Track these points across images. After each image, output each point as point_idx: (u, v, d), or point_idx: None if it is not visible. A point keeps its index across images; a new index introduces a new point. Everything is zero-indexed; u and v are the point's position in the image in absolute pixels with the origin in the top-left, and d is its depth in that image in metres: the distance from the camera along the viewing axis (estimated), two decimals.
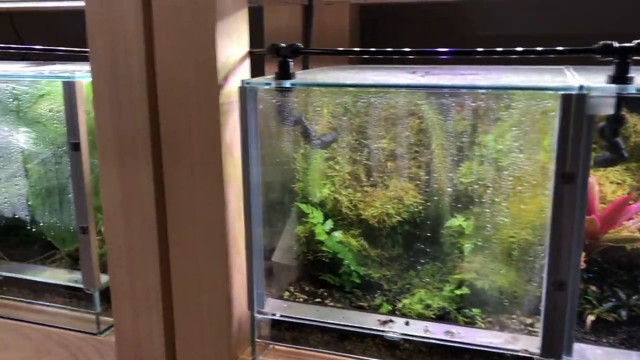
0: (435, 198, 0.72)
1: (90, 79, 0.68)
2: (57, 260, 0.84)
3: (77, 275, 0.79)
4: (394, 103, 0.62)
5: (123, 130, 0.67)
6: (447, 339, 0.61)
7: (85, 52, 0.66)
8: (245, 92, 0.61)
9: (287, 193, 0.76)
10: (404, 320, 0.66)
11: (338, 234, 0.75)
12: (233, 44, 0.64)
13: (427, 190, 0.72)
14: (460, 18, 1.04)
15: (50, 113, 0.71)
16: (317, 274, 0.76)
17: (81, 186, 0.71)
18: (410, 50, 0.61)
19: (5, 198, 0.77)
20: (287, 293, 0.75)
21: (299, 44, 0.60)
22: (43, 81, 0.75)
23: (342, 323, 0.65)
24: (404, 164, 0.69)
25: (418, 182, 0.72)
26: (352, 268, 0.74)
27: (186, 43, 0.62)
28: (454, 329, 0.63)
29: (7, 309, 0.82)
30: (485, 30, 1.04)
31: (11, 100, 0.72)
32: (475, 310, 0.66)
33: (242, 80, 0.61)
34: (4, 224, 0.80)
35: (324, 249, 0.74)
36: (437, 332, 0.62)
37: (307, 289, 0.77)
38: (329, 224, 0.74)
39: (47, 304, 0.80)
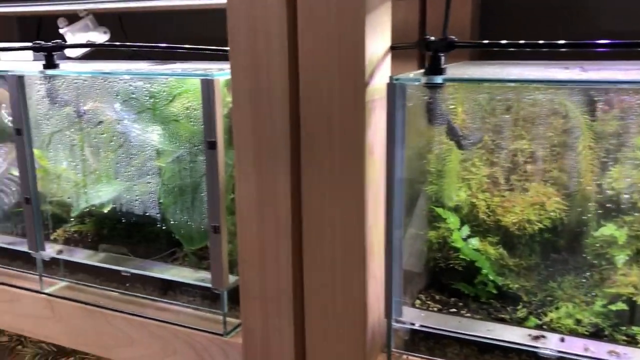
0: (582, 204, 0.67)
1: (227, 77, 0.67)
2: (179, 258, 0.84)
3: (203, 274, 0.79)
4: (560, 100, 0.57)
5: (261, 129, 0.66)
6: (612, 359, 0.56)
7: (224, 50, 0.66)
8: (394, 89, 0.58)
9: (419, 196, 0.73)
10: (557, 336, 0.61)
11: (475, 241, 0.71)
12: (378, 39, 0.61)
13: (573, 195, 0.67)
14: (583, 10, 0.97)
15: (187, 111, 0.71)
16: (449, 282, 0.72)
17: (216, 185, 0.70)
18: (568, 43, 0.56)
19: (137, 196, 0.77)
20: (418, 301, 0.72)
21: (453, 37, 0.57)
22: (172, 79, 0.75)
23: (489, 336, 0.61)
24: (561, 165, 0.64)
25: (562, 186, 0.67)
26: (490, 277, 0.69)
27: (333, 39, 0.60)
28: (618, 348, 0.57)
29: (134, 305, 0.83)
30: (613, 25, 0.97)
31: (147, 98, 0.73)
32: (637, 329, 0.61)
33: (391, 77, 0.59)
34: (131, 221, 0.81)
35: (459, 256, 0.71)
36: (599, 351, 0.57)
37: (438, 297, 0.73)
38: (466, 230, 0.71)
39: (174, 302, 0.80)
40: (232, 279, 0.75)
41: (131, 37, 1.45)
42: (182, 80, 0.73)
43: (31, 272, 0.93)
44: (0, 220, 0.95)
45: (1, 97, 1.03)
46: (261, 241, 0.69)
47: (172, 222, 0.76)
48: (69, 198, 0.84)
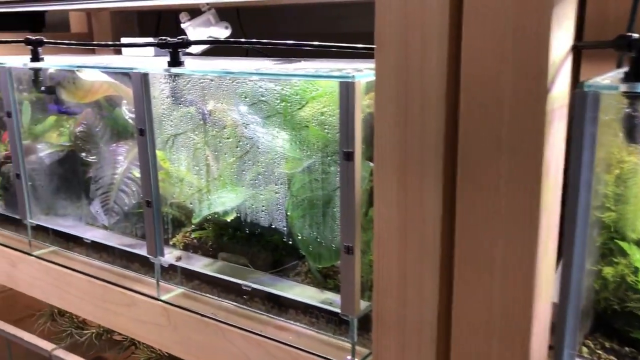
0: None
1: (369, 79, 0.59)
2: (302, 273, 0.77)
3: (329, 295, 0.72)
4: None
5: (409, 140, 0.57)
6: None
7: (368, 48, 0.57)
8: (585, 97, 0.47)
9: (593, 224, 0.61)
10: None
11: None
12: (563, 35, 0.50)
13: None
14: None
15: (322, 117, 0.63)
16: (626, 328, 0.60)
17: (351, 200, 0.62)
18: None
19: (263, 206, 0.71)
20: (584, 349, 0.60)
21: None
22: (304, 81, 0.67)
23: None
24: None
25: None
26: None
27: (508, 33, 0.49)
28: None
29: (252, 321, 0.77)
30: None
31: (278, 101, 0.66)
32: None
33: (582, 83, 0.48)
34: (255, 232, 0.75)
35: None
36: None
37: (608, 345, 0.61)
38: None
39: (295, 323, 0.74)
40: (362, 304, 0.67)
41: (247, 32, 1.41)
42: (315, 81, 0.65)
43: (148, 276, 0.90)
44: (120, 219, 0.92)
45: (123, 93, 1.01)
46: (402, 267, 0.60)
47: (299, 237, 0.69)
48: (190, 204, 0.80)
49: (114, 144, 0.99)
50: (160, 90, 0.78)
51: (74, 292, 0.97)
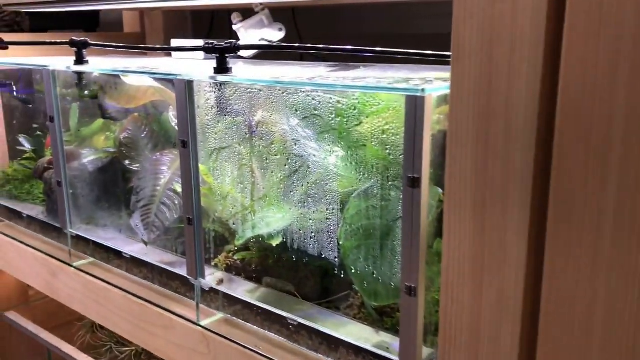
0: None
1: (441, 93, 0.50)
2: (354, 306, 0.69)
3: (385, 336, 0.63)
4: None
5: (490, 167, 0.47)
6: None
7: (443, 56, 0.48)
8: None
9: None
10: None
11: None
12: None
13: None
14: None
15: (383, 135, 0.55)
16: None
17: (415, 234, 0.53)
18: None
19: (312, 232, 0.63)
20: None
21: None
22: (362, 93, 0.59)
23: None
24: None
25: None
26: None
27: (626, 38, 0.39)
28: None
29: (298, 357, 0.69)
30: None
31: (333, 116, 0.58)
32: None
33: None
34: (303, 259, 0.67)
35: None
36: None
37: None
38: None
39: None
40: (425, 350, 0.58)
41: (303, 33, 1.33)
42: (377, 94, 0.57)
43: (188, 297, 0.83)
44: (160, 234, 0.86)
45: (169, 99, 0.95)
46: (475, 317, 0.51)
47: (352, 270, 0.61)
48: (233, 224, 0.72)
49: (158, 153, 0.94)
50: (205, 99, 0.71)
51: (112, 308, 0.92)
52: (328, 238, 0.62)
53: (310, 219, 0.63)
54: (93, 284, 0.95)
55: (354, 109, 0.56)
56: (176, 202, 0.86)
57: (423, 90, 0.50)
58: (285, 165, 0.64)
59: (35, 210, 1.10)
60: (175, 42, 1.12)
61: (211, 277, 0.78)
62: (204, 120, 0.72)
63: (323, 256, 0.63)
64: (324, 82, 0.56)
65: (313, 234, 0.63)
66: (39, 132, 1.18)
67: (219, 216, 0.74)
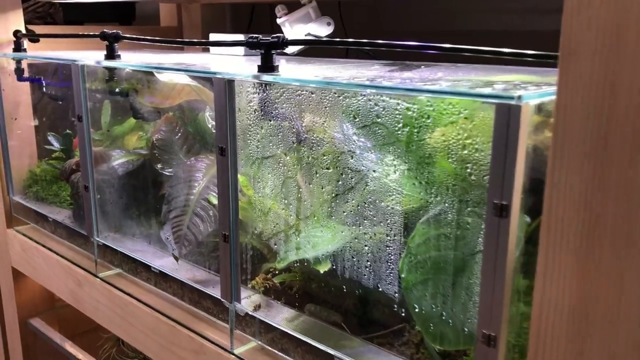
0: None
1: (541, 101, 0.40)
2: (410, 344, 0.59)
3: None
4: None
5: (606, 190, 0.38)
6: None
7: (549, 56, 0.39)
8: None
9: None
10: None
11: None
12: None
13: None
14: None
15: (464, 151, 0.45)
16: None
17: (499, 271, 0.44)
18: None
19: (368, 261, 0.54)
20: None
21: None
22: (436, 98, 0.49)
23: None
24: None
25: None
26: None
27: None
28: None
29: None
30: None
31: (400, 125, 0.49)
32: None
33: None
34: (355, 289, 0.58)
35: None
36: None
37: None
38: None
39: None
40: None
41: (348, 28, 1.24)
42: (454, 100, 0.47)
43: (220, 319, 0.75)
44: (192, 249, 0.78)
45: (206, 98, 0.87)
46: None
47: (415, 309, 0.51)
48: (275, 244, 0.64)
49: (192, 158, 0.85)
50: (247, 101, 0.62)
51: (139, 326, 0.85)
52: (387, 268, 0.53)
53: (365, 245, 0.54)
54: (119, 297, 0.87)
55: (427, 118, 0.47)
56: (211, 214, 0.78)
57: (520, 97, 0.40)
58: (339, 181, 0.54)
59: (62, 214, 1.03)
60: (214, 37, 1.04)
61: (247, 301, 0.70)
62: (246, 125, 0.63)
63: (380, 289, 0.54)
64: (392, 86, 0.47)
65: (368, 262, 0.54)
66: (68, 131, 1.11)
67: (259, 233, 0.66)
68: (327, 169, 0.55)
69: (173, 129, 0.96)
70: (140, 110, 0.88)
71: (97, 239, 0.91)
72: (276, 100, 0.60)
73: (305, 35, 0.89)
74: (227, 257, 0.67)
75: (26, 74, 1.07)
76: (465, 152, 0.45)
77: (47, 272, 1.04)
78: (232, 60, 0.93)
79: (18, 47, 1.04)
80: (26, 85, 1.11)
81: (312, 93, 0.55)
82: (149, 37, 0.81)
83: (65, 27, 1.33)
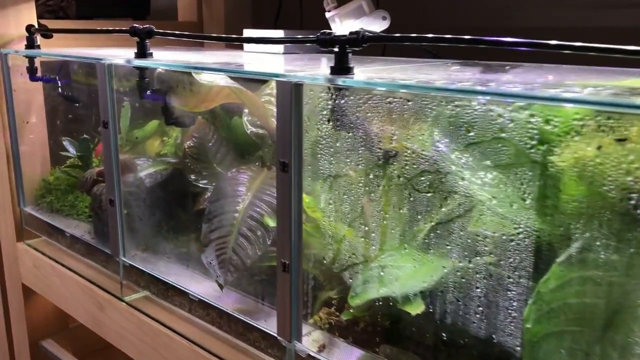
0: None
1: None
2: None
3: None
4: None
5: None
6: None
7: None
8: None
9: None
10: None
11: None
12: None
13: None
14: None
15: (628, 179, 0.36)
16: None
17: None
18: None
19: (480, 306, 0.44)
20: None
21: None
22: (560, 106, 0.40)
23: None
24: None
25: None
26: None
27: None
28: None
29: None
30: None
31: (534, 142, 0.39)
32: None
33: None
34: (454, 336, 0.49)
35: None
36: None
37: None
38: None
39: None
40: None
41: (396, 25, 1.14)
42: (598, 110, 0.37)
43: (270, 354, 0.65)
44: (240, 274, 0.68)
45: (247, 101, 0.77)
46: None
47: None
48: (350, 278, 0.54)
49: (234, 170, 0.76)
50: (317, 110, 0.53)
51: None
52: (505, 315, 0.44)
53: (477, 285, 0.44)
54: (148, 325, 0.78)
55: (575, 134, 0.37)
56: (259, 234, 0.68)
57: None
58: (442, 207, 0.45)
59: (80, 229, 0.93)
60: (247, 32, 0.94)
61: (308, 339, 0.60)
62: (313, 137, 0.53)
63: (494, 339, 0.44)
64: (532, 94, 0.37)
65: (479, 307, 0.45)
66: (85, 136, 1.01)
67: (328, 263, 0.56)
68: (427, 192, 0.46)
69: (206, 135, 0.86)
70: (173, 114, 0.78)
71: (124, 259, 0.81)
72: (358, 109, 0.50)
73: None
74: (287, 289, 0.58)
75: (39, 73, 0.97)
76: (629, 179, 0.36)
77: (63, 292, 0.94)
78: (275, 59, 0.84)
79: (31, 44, 0.94)
80: (38, 85, 1.01)
81: (409, 101, 0.46)
82: (187, 33, 0.71)
83: (79, 21, 1.23)
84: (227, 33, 1.31)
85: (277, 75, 0.54)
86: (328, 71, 0.52)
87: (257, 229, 0.68)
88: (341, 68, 0.52)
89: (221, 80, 0.74)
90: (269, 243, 0.68)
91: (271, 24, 1.35)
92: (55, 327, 1.11)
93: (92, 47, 1.07)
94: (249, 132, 0.82)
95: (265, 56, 0.87)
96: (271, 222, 0.65)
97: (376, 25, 0.80)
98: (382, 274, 0.50)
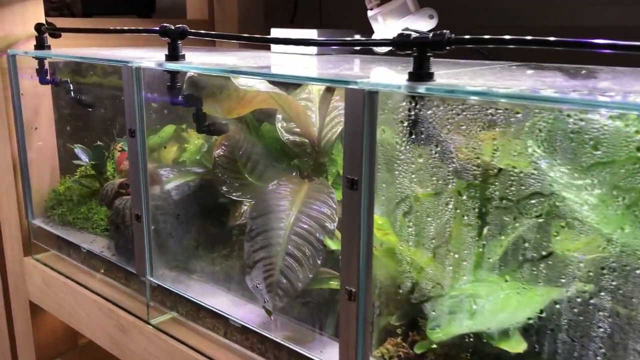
0: None
1: None
2: None
3: None
4: None
5: None
6: None
7: None
8: None
9: None
10: None
11: None
12: None
13: None
14: None
15: None
16: None
17: None
18: None
19: (602, 347, 0.39)
20: None
21: None
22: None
23: None
24: None
25: None
26: None
27: None
28: None
29: None
30: None
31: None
32: None
33: None
34: None
35: None
36: None
37: None
38: None
39: None
40: None
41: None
42: None
43: None
44: (289, 297, 0.62)
45: (286, 107, 0.71)
46: None
47: None
48: (433, 311, 0.48)
49: (274, 182, 0.70)
50: (396, 121, 0.47)
51: None
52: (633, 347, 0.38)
53: (598, 324, 0.39)
54: (181, 352, 0.71)
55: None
56: (307, 253, 0.62)
57: None
58: (557, 235, 0.39)
59: (98, 244, 0.86)
60: (275, 32, 0.88)
61: None
62: (389, 152, 0.47)
63: None
64: None
65: (601, 348, 0.39)
66: (99, 143, 0.94)
67: (404, 292, 0.50)
68: (537, 216, 0.40)
69: (237, 143, 0.80)
70: (205, 121, 0.72)
71: (151, 278, 0.74)
72: (444, 120, 0.44)
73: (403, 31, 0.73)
74: (353, 319, 0.52)
75: (48, 76, 0.90)
76: None
77: (78, 312, 0.88)
78: (310, 60, 0.78)
79: (41, 44, 0.87)
80: (47, 89, 0.94)
81: (517, 113, 0.40)
82: (225, 33, 0.65)
83: (86, 20, 1.16)
84: (241, 32, 1.24)
85: (346, 82, 0.48)
86: (403, 76, 0.47)
87: (305, 247, 0.62)
88: (421, 74, 0.46)
89: (260, 84, 0.68)
90: (319, 263, 0.62)
91: (287, 22, 1.29)
92: (65, 346, 1.04)
93: (103, 47, 1.00)
94: (285, 140, 0.76)
95: (298, 57, 0.81)
96: (332, 244, 0.59)
97: (422, 24, 0.74)
98: (475, 308, 0.45)
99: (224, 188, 0.75)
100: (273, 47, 0.91)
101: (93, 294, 0.84)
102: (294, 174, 0.76)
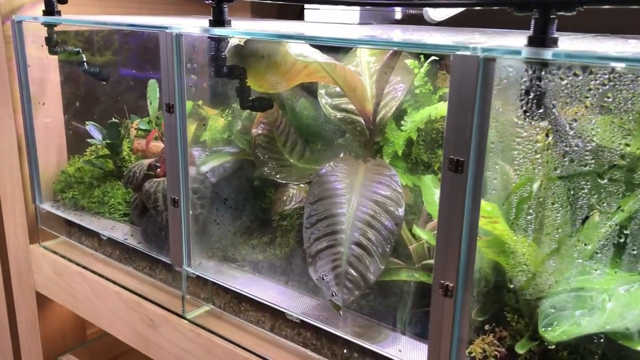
0: None
1: None
2: None
3: None
4: None
5: None
6: None
7: None
8: None
9: None
10: None
11: None
12: None
13: None
14: None
15: None
16: None
17: None
18: None
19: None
20: None
21: None
22: None
23: None
24: None
25: None
26: None
27: None
28: None
29: None
30: None
31: None
32: None
33: None
34: None
35: None
36: None
37: None
38: None
39: None
40: None
41: None
42: None
43: None
44: (359, 289, 0.56)
45: (339, 79, 0.64)
46: None
47: None
48: (552, 308, 0.43)
49: (329, 164, 0.63)
50: (513, 94, 0.41)
51: None
52: None
53: None
54: (223, 348, 0.65)
55: None
56: (375, 241, 0.56)
57: None
58: None
59: (118, 230, 0.79)
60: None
61: None
62: (508, 130, 0.42)
63: None
64: None
65: None
66: (114, 119, 0.86)
67: (518, 287, 0.45)
68: None
69: (275, 120, 0.73)
70: (249, 96, 0.65)
71: (189, 269, 0.68)
72: (588, 92, 0.38)
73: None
74: (448, 317, 0.47)
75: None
76: None
77: (97, 305, 0.80)
78: (354, 29, 0.71)
79: (51, 9, 0.78)
80: (53, 60, 0.85)
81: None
82: None
83: None
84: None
85: (455, 48, 0.42)
86: (518, 42, 0.41)
87: (371, 234, 0.56)
88: (545, 38, 0.40)
89: (316, 54, 0.61)
90: (388, 252, 0.56)
91: None
92: (73, 340, 0.97)
93: (111, 14, 0.91)
94: (332, 117, 0.69)
95: (341, 27, 0.74)
96: (422, 233, 0.53)
97: None
98: (608, 306, 0.40)
99: (266, 169, 0.69)
100: (307, 17, 0.84)
101: (114, 284, 0.77)
102: (341, 154, 0.70)
